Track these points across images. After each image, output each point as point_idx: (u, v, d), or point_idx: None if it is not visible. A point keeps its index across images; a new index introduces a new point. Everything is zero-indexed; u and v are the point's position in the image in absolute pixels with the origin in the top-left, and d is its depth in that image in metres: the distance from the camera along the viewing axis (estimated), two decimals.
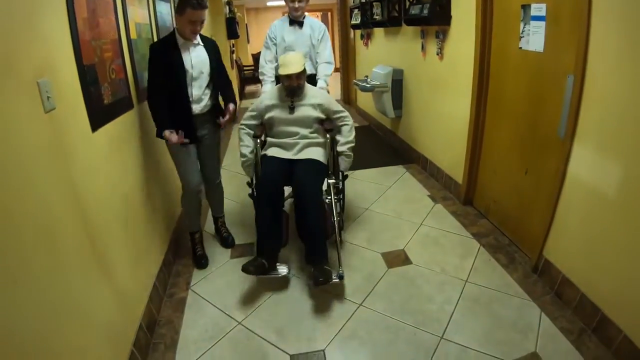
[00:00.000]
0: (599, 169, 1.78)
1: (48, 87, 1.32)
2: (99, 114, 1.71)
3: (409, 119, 4.40)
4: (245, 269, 2.16)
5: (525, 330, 1.90)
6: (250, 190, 2.58)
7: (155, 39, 2.75)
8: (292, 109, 2.51)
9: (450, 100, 3.33)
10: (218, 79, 2.44)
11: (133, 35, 2.26)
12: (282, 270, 2.34)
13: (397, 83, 4.41)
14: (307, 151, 2.49)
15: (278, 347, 1.91)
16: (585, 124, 1.86)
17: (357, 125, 6.16)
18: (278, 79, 2.82)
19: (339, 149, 2.53)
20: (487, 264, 2.45)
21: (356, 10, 5.61)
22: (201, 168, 2.56)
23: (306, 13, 3.24)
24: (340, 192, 2.71)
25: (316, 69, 3.24)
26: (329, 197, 2.44)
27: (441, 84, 3.49)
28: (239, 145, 2.58)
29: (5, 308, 1.01)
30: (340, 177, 2.69)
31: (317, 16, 13.12)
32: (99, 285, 1.58)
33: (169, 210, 2.75)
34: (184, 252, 2.77)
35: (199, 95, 2.34)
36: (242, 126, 2.59)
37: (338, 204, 2.61)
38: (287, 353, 1.88)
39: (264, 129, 2.65)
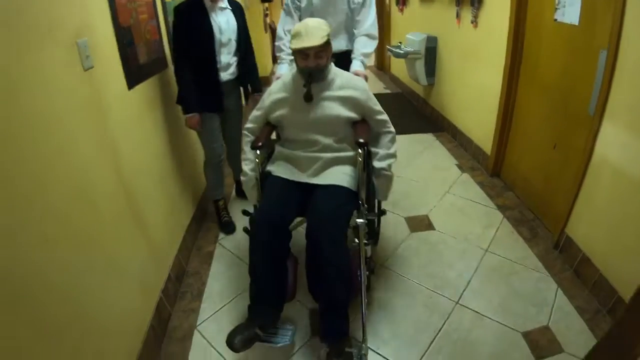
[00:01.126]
0: (628, 149, 1.71)
1: (86, 47, 1.39)
2: (135, 73, 1.78)
3: (441, 87, 4.29)
4: (229, 342, 1.48)
5: (541, 304, 1.90)
6: (249, 220, 1.71)
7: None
8: (309, 105, 1.70)
9: (483, 70, 3.22)
10: (244, 46, 2.30)
11: None
12: (282, 339, 1.63)
13: (431, 50, 4.27)
14: (330, 172, 1.71)
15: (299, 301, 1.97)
16: (615, 102, 1.77)
17: (389, 92, 6.08)
18: None
19: (377, 164, 1.74)
20: (509, 236, 2.43)
21: None
22: (224, 133, 2.46)
23: None
24: (374, 234, 1.97)
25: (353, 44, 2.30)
26: (357, 242, 1.67)
27: (474, 53, 3.38)
28: (241, 159, 1.94)
29: (46, 263, 1.11)
30: (376, 210, 1.95)
31: None
32: (134, 237, 1.70)
33: (199, 169, 2.80)
34: (210, 218, 2.78)
35: (227, 61, 2.23)
36: (246, 130, 1.91)
37: (369, 247, 1.79)
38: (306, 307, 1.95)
39: (268, 133, 1.87)
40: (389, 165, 1.77)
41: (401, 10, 5.69)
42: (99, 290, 1.37)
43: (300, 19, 2.26)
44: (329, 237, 1.53)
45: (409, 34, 4.64)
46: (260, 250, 1.59)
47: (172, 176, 2.29)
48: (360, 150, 1.60)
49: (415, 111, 5.04)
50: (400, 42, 4.71)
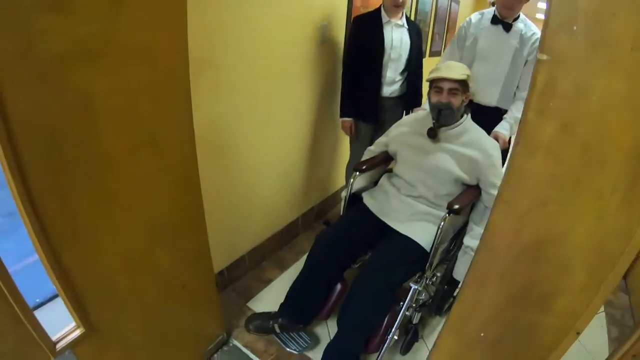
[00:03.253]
0: None
1: (324, 30, 2.06)
2: None
3: None
4: (247, 321, 1.69)
5: None
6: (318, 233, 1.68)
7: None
8: (426, 149, 1.58)
9: None
10: (414, 67, 2.19)
11: None
12: (294, 345, 1.65)
13: None
14: (415, 225, 1.55)
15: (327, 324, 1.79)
16: None
17: None
18: None
19: (467, 241, 1.53)
20: None
21: None
22: None
23: (521, 13, 1.98)
24: (440, 304, 1.82)
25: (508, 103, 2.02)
26: (402, 305, 1.49)
27: None
28: None
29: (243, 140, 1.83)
30: (441, 286, 1.70)
31: None
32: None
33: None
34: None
35: (393, 78, 2.15)
36: (367, 150, 1.87)
37: (415, 314, 1.66)
38: None
39: (380, 161, 1.80)
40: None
41: None
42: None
43: (461, 59, 2.08)
44: (375, 284, 1.43)
45: None
46: (311, 266, 1.59)
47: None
48: (447, 215, 1.40)
49: None
50: None
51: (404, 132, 1.70)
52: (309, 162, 2.40)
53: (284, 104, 1.98)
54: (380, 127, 2.20)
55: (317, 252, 1.59)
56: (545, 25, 0.62)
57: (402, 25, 2.10)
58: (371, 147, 1.84)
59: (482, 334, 0.90)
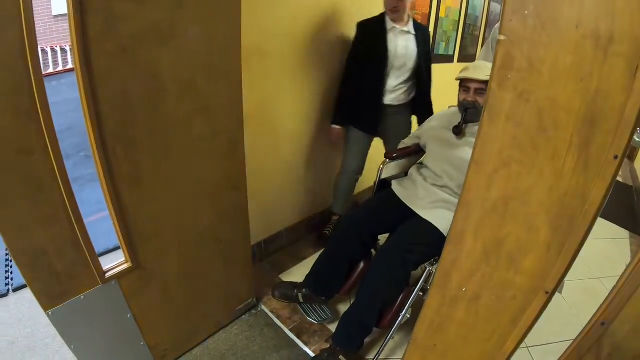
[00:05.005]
0: None
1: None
2: None
3: None
4: (273, 288, 1.89)
5: None
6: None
7: (462, 23, 3.27)
8: (453, 143, 1.68)
9: None
10: (423, 77, 2.15)
11: (442, 14, 2.93)
12: (315, 316, 1.81)
13: None
14: (437, 212, 1.61)
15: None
16: None
17: (619, 180, 4.80)
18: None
19: None
20: None
21: None
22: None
23: None
24: None
25: None
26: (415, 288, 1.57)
27: None
28: None
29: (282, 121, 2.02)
30: None
31: None
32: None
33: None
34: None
35: (395, 86, 2.09)
36: (401, 143, 2.01)
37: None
38: None
39: (411, 152, 1.94)
40: None
41: None
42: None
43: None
44: (391, 262, 1.52)
45: None
46: (336, 242, 1.73)
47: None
48: None
49: (634, 211, 3.80)
50: None
51: (434, 127, 1.82)
52: None
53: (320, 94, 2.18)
54: (381, 135, 2.22)
55: (342, 229, 1.73)
56: (503, 11, 0.75)
57: (408, 32, 2.04)
58: (404, 140, 1.97)
59: (463, 289, 1.00)
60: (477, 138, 0.85)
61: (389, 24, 1.98)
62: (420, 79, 2.15)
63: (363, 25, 2.04)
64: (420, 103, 2.23)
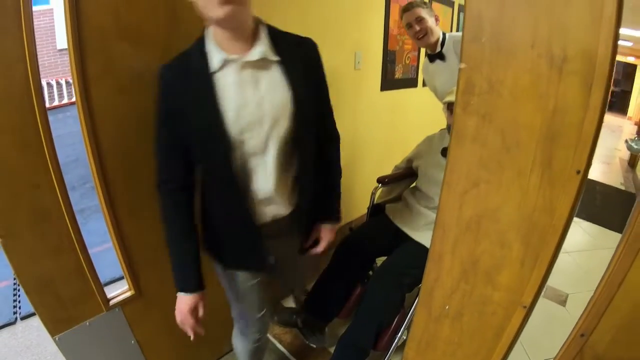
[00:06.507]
0: None
1: (360, 56, 2.32)
2: (388, 82, 2.62)
3: None
4: (275, 313, 1.82)
5: None
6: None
7: None
8: (442, 164, 1.36)
9: None
10: (307, 145, 1.05)
11: None
12: (315, 340, 1.77)
13: None
14: (428, 234, 1.21)
15: None
16: None
17: (622, 189, 4.78)
18: None
19: None
20: None
21: None
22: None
23: None
24: None
25: None
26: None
27: None
28: None
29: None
30: None
31: None
32: None
33: None
34: None
35: (271, 183, 1.00)
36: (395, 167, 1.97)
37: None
38: None
39: (402, 176, 1.95)
40: None
41: None
42: None
43: None
44: (386, 285, 1.54)
45: None
46: (332, 267, 1.74)
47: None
48: None
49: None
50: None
51: (425, 150, 1.84)
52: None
53: None
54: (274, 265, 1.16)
55: (338, 254, 1.74)
56: (462, 39, 0.80)
57: (269, 61, 0.94)
58: (398, 164, 1.99)
59: (446, 307, 1.02)
60: (447, 161, 0.89)
61: (217, 54, 0.90)
62: (311, 150, 1.09)
63: (168, 73, 0.95)
64: (327, 202, 1.23)
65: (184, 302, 1.06)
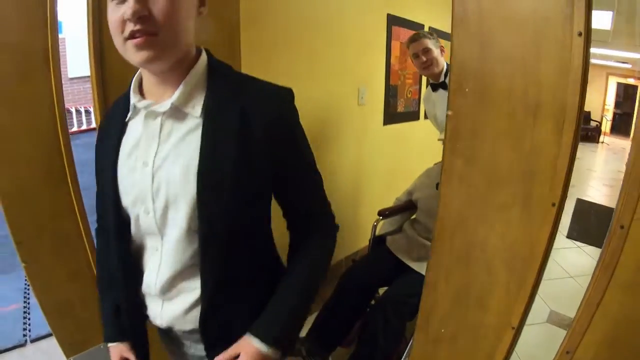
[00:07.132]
0: None
1: (363, 92, 2.45)
2: (391, 116, 2.75)
3: None
4: None
5: None
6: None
7: None
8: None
9: None
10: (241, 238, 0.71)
11: None
12: None
13: None
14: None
15: None
16: None
17: None
18: None
19: None
20: None
21: None
22: None
23: None
24: None
25: None
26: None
27: None
28: None
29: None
30: None
31: None
32: None
33: None
34: None
35: (168, 275, 0.70)
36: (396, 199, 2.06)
37: None
38: None
39: (402, 208, 2.02)
40: None
41: None
42: None
43: None
44: (387, 315, 1.58)
45: None
46: (336, 297, 1.77)
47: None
48: None
49: None
50: None
51: (425, 182, 1.92)
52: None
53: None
54: None
55: (342, 284, 1.80)
56: (449, 89, 0.91)
57: (181, 112, 0.68)
58: (398, 196, 2.06)
59: (442, 330, 1.09)
60: (439, 197, 0.98)
61: (132, 97, 0.71)
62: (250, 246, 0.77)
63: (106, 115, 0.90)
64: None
65: (112, 353, 0.84)
